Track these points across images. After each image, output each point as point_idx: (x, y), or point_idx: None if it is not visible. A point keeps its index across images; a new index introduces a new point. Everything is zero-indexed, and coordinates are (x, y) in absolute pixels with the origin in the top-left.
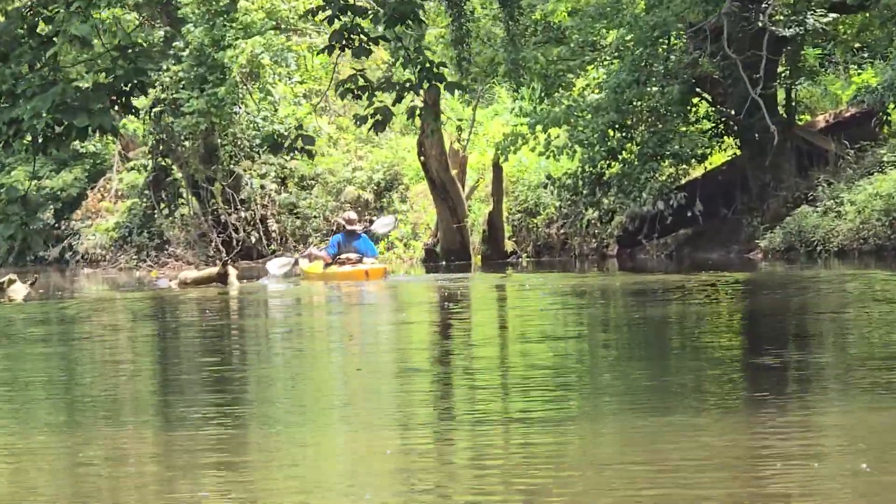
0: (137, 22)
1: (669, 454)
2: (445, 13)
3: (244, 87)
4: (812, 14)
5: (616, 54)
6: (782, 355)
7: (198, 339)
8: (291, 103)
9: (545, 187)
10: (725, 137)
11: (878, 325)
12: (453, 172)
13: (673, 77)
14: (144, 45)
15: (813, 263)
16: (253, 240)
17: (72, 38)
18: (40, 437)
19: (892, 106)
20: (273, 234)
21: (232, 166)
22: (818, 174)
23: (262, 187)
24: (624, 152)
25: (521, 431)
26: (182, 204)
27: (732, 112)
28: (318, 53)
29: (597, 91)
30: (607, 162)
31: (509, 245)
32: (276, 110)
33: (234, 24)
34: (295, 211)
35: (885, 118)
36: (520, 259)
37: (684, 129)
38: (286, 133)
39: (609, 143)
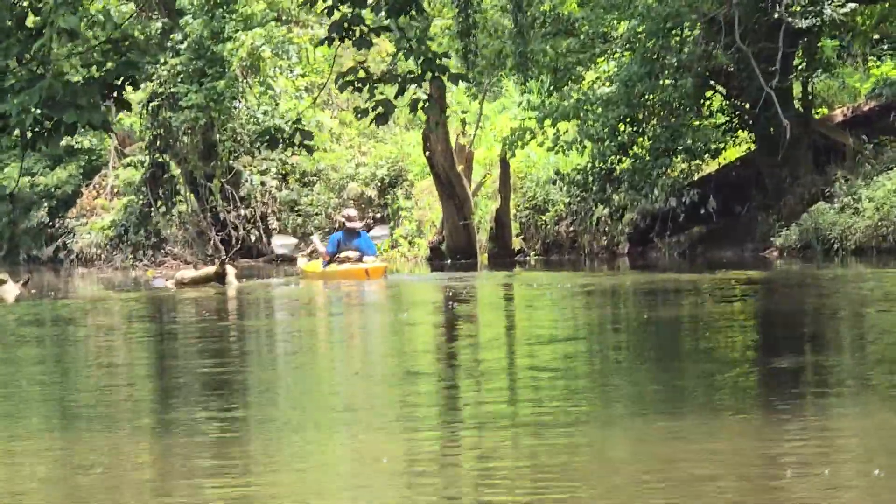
0: (133, 13)
1: (681, 460)
2: (451, 4)
3: (244, 81)
4: (829, 4)
5: (627, 46)
6: (798, 357)
7: (195, 341)
8: (293, 97)
9: (554, 183)
10: (740, 132)
11: None
12: (459, 168)
13: (686, 70)
14: (142, 36)
15: (830, 262)
16: (253, 238)
17: (60, 31)
18: (34, 442)
19: None
20: (273, 233)
21: (231, 162)
22: (835, 170)
23: (263, 184)
24: (635, 147)
25: (528, 436)
26: (180, 201)
27: (747, 106)
28: (317, 45)
29: (607, 84)
30: (618, 157)
31: (517, 243)
32: (276, 104)
33: (233, 16)
34: (296, 208)
35: None
36: (528, 257)
37: (697, 123)
38: (283, 128)
39: (620, 138)
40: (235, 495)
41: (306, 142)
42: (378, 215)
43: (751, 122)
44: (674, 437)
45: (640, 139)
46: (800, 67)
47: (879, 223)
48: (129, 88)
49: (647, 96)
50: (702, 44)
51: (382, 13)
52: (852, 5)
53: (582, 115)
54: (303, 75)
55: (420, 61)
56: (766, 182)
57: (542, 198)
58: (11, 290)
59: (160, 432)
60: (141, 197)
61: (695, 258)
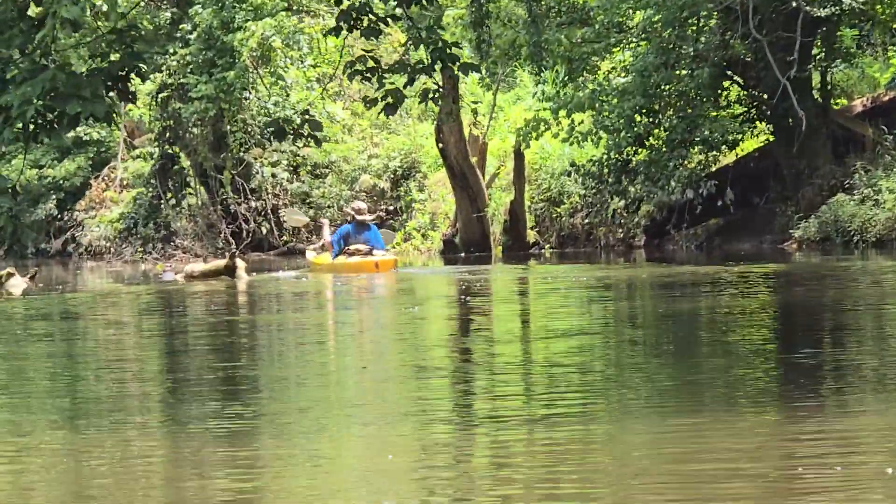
0: (141, 3)
1: (697, 457)
2: None
3: (254, 72)
4: None
5: (643, 36)
6: (817, 352)
7: (204, 336)
8: (304, 88)
9: (569, 175)
10: (758, 123)
11: None
12: (473, 160)
13: (702, 59)
14: (150, 27)
15: (849, 254)
16: (264, 231)
17: (63, 22)
18: (42, 437)
19: None
20: (284, 225)
21: (242, 154)
22: (855, 161)
23: (274, 176)
24: (651, 138)
25: (543, 431)
26: (190, 193)
27: (765, 96)
28: (326, 35)
29: (623, 74)
30: (634, 148)
31: (531, 236)
32: (287, 95)
33: (243, 6)
34: (308, 200)
35: None
36: (542, 250)
37: (714, 114)
38: (291, 118)
39: (636, 129)
40: (245, 491)
41: (315, 132)
42: (391, 207)
43: (768, 112)
44: (691, 432)
45: (657, 130)
46: (818, 57)
47: None
48: (137, 80)
49: (663, 87)
50: (718, 33)
51: (394, 2)
52: None
53: (597, 105)
54: (314, 66)
55: (430, 50)
56: (785, 173)
57: (557, 190)
58: (19, 283)
59: (169, 428)
60: (150, 189)
61: (712, 251)
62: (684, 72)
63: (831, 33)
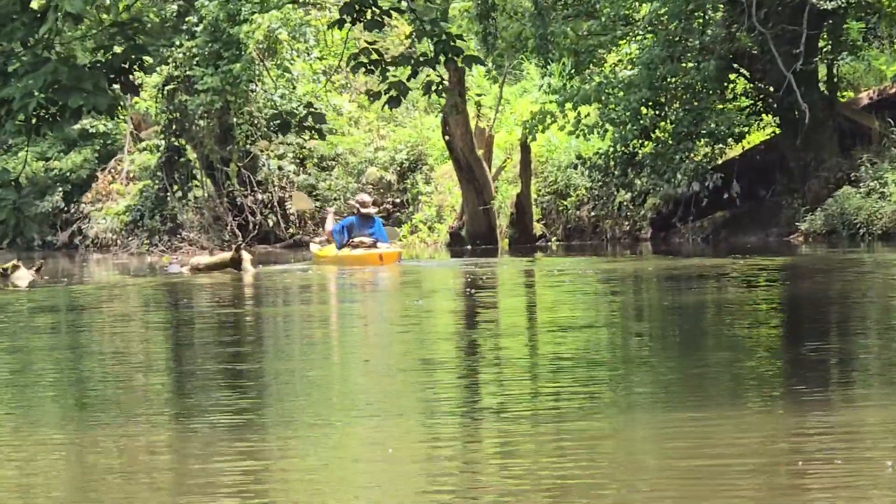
0: None
1: (703, 453)
2: None
3: (261, 64)
4: None
5: (649, 28)
6: (824, 346)
7: (209, 329)
8: (310, 80)
9: (575, 168)
10: (764, 115)
11: None
12: (479, 152)
13: (709, 52)
14: (157, 19)
15: (856, 247)
16: (270, 223)
17: (66, 15)
18: (49, 431)
19: None
20: (291, 218)
21: (248, 146)
22: (861, 153)
23: (280, 168)
24: (657, 131)
25: (549, 425)
26: (196, 186)
27: (771, 89)
28: (329, 27)
29: (629, 67)
30: (640, 141)
31: (538, 228)
32: (294, 88)
33: None
34: (314, 193)
35: None
36: (549, 243)
37: (721, 106)
38: (295, 111)
39: (642, 122)
40: (250, 487)
41: (319, 125)
42: (397, 200)
43: (775, 105)
44: (696, 426)
45: (663, 123)
46: (825, 50)
47: None
48: (141, 72)
49: (669, 79)
50: (724, 26)
51: None
52: None
53: (603, 98)
54: (320, 58)
55: (434, 43)
56: (791, 166)
57: (564, 182)
58: (24, 276)
59: (175, 422)
60: (157, 181)
61: (718, 243)
62: (690, 64)
63: (838, 26)
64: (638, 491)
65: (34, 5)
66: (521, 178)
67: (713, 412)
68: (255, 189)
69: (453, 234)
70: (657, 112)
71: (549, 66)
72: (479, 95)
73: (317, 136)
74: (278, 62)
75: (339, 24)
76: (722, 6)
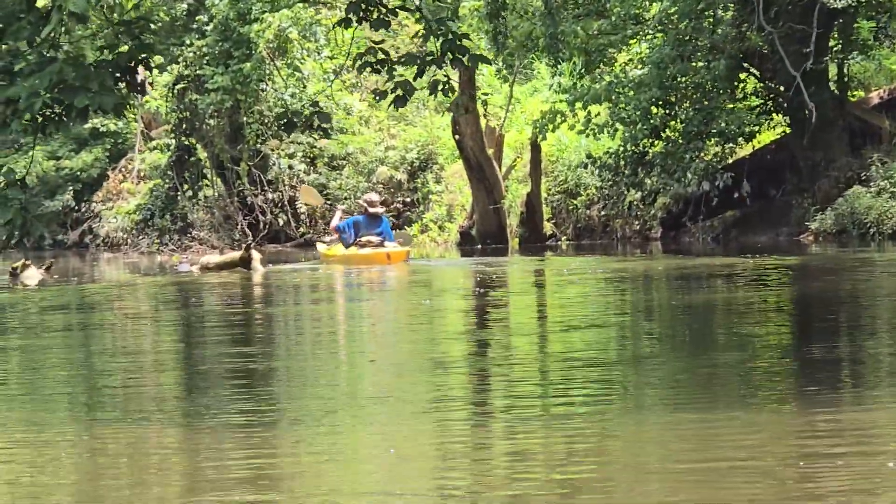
0: None
1: (712, 454)
2: None
3: (271, 63)
4: None
5: (659, 28)
6: (834, 346)
7: (218, 328)
8: (321, 80)
9: (585, 167)
10: (774, 115)
11: None
12: (489, 152)
13: (719, 51)
14: (167, 18)
15: (866, 246)
16: (280, 222)
17: (70, 15)
18: (59, 430)
19: None
20: (301, 217)
21: (258, 145)
22: (871, 153)
23: (290, 167)
24: (667, 130)
25: (560, 427)
26: (206, 185)
27: (781, 88)
28: (335, 26)
29: (639, 66)
30: (650, 140)
31: (548, 227)
32: (304, 87)
33: None
34: (325, 192)
35: None
36: (559, 242)
37: (731, 105)
38: (301, 110)
39: (652, 121)
40: (260, 483)
41: (324, 124)
42: (408, 199)
43: (785, 104)
44: (706, 427)
45: (673, 122)
46: (835, 49)
47: None
48: (155, 71)
49: (679, 79)
50: (735, 25)
51: None
52: None
53: (614, 97)
54: (331, 57)
55: (440, 42)
56: (801, 165)
57: (574, 182)
58: (34, 275)
59: (184, 420)
60: (167, 180)
61: (728, 243)
62: (700, 64)
63: (848, 25)
64: (647, 491)
65: (40, 4)
66: (532, 178)
67: (722, 412)
68: (266, 188)
69: (463, 234)
70: (667, 111)
71: (559, 66)
72: (485, 95)
73: (322, 135)
74: (289, 61)
75: (346, 23)
76: (732, 5)
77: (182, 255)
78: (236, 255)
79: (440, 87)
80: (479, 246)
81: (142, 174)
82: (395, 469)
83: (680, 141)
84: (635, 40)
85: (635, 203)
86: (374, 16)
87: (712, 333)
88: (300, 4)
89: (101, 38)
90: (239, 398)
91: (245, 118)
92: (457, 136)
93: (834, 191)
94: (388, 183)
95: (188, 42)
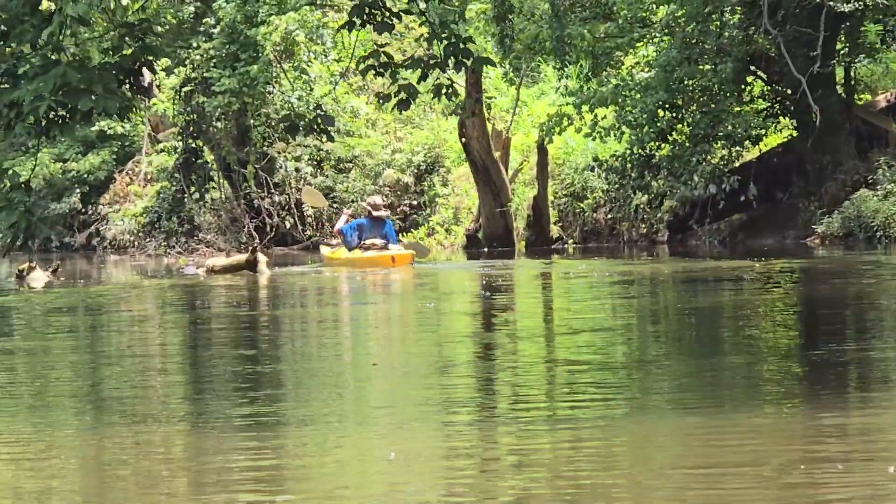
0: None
1: (718, 458)
2: None
3: (278, 66)
4: None
5: (666, 31)
6: (840, 349)
7: (224, 331)
8: (328, 83)
9: (592, 170)
10: (781, 118)
11: None
12: (496, 154)
13: (726, 54)
14: (174, 21)
15: (873, 250)
16: (287, 225)
17: (70, 19)
18: (65, 433)
19: None
20: (308, 220)
21: (265, 148)
22: (878, 156)
23: (297, 170)
24: (674, 133)
25: (566, 431)
26: (213, 187)
27: (788, 91)
28: (338, 29)
29: (646, 69)
30: (657, 143)
31: (555, 231)
32: (311, 90)
33: (267, 0)
34: (331, 195)
35: None
36: (566, 245)
37: (738, 109)
38: (304, 113)
39: (659, 124)
40: (265, 489)
41: (327, 127)
42: (414, 202)
43: (792, 107)
44: (712, 431)
45: (680, 125)
46: (842, 52)
47: None
48: (162, 74)
49: (686, 81)
50: (742, 28)
51: None
52: None
53: (620, 100)
54: (338, 60)
55: (444, 46)
56: (808, 169)
57: (580, 185)
58: (40, 277)
59: (190, 421)
60: (174, 183)
61: (735, 246)
62: (707, 67)
63: (855, 28)
64: (653, 495)
65: (43, 7)
66: (538, 181)
67: (729, 416)
68: (272, 191)
69: (470, 237)
70: (674, 114)
71: (566, 69)
72: (489, 98)
73: (325, 139)
74: (295, 64)
75: (349, 26)
76: (739, 8)
77: (189, 258)
78: (242, 257)
79: (444, 90)
80: (486, 249)
81: (149, 177)
82: (399, 472)
83: (687, 144)
84: (642, 43)
85: (642, 206)
86: (378, 19)
87: (719, 337)
88: (307, 7)
89: (106, 41)
90: (244, 400)
91: (252, 121)
92: (463, 139)
93: (841, 194)
94: (394, 186)
95: (195, 45)
